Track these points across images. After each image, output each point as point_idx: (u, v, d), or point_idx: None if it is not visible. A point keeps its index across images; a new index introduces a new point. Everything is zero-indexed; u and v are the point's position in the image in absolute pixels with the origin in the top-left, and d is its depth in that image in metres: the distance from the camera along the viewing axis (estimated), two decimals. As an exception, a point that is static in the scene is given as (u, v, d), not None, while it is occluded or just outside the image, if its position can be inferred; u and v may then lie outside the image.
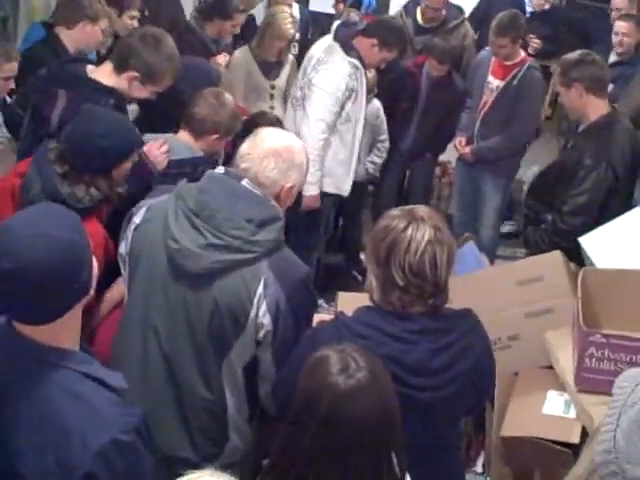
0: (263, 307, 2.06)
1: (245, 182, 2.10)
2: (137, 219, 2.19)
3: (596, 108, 3.30)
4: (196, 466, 1.46)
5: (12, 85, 3.39)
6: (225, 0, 4.37)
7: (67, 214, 1.61)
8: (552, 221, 3.30)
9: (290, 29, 4.43)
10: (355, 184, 4.33)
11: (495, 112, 4.56)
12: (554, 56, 5.16)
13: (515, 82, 4.50)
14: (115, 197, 2.66)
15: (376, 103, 4.61)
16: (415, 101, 4.85)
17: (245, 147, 2.17)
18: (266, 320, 2.07)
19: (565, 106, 3.52)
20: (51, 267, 1.47)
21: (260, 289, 2.05)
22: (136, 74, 2.85)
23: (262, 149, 2.14)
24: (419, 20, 5.23)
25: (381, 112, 4.65)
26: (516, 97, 4.49)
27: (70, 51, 3.59)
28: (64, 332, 1.57)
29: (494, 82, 4.58)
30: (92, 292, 1.62)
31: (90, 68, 2.94)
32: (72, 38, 3.62)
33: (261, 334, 2.09)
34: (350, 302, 2.60)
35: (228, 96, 3.15)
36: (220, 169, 2.17)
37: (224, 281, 2.06)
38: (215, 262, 2.04)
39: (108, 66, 2.91)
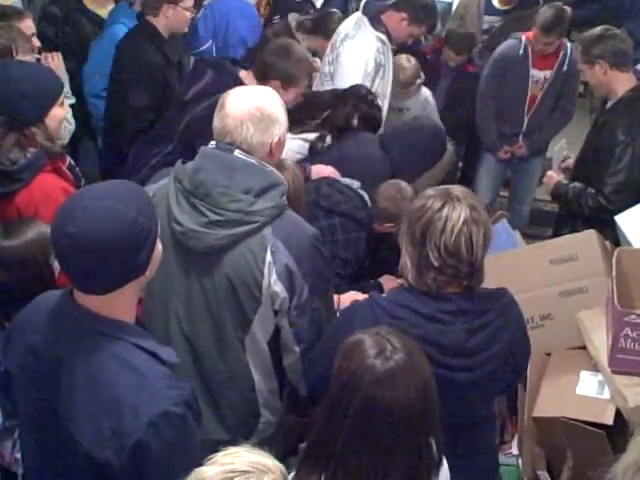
0: (274, 275, 2.05)
1: (237, 152, 2.09)
2: None
3: (623, 83, 3.25)
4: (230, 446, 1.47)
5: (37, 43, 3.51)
6: (327, 20, 4.30)
7: (140, 193, 1.66)
8: (596, 200, 3.24)
9: None
10: None
11: (546, 103, 4.47)
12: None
13: (565, 67, 4.38)
14: (57, 150, 2.64)
15: (424, 92, 4.54)
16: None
17: (218, 121, 2.14)
18: (279, 288, 2.06)
19: (590, 83, 3.47)
20: (111, 239, 1.51)
21: (268, 257, 2.05)
22: (277, 82, 3.04)
23: (235, 118, 2.11)
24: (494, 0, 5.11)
25: (430, 99, 4.56)
26: (565, 81, 4.40)
27: (164, 36, 3.80)
28: (120, 305, 1.61)
29: (540, 74, 4.42)
30: (149, 274, 1.65)
31: (243, 74, 3.15)
32: (161, 24, 3.78)
33: (277, 303, 2.09)
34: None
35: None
36: (212, 143, 2.14)
37: (232, 256, 2.06)
38: (219, 239, 2.04)
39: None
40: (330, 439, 1.56)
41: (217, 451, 1.37)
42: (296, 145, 3.31)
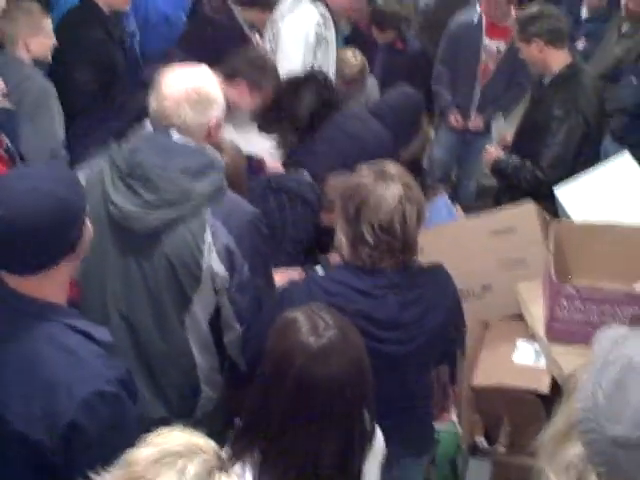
0: (214, 254, 2.05)
1: (175, 134, 2.07)
2: None
3: (558, 59, 3.32)
4: (171, 424, 1.48)
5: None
6: None
7: (67, 173, 1.66)
8: (534, 174, 3.31)
9: None
10: None
11: (499, 75, 4.49)
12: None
13: None
14: None
15: (373, 81, 4.51)
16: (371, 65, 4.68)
17: (154, 103, 2.12)
18: (219, 267, 2.06)
19: (527, 61, 3.50)
20: (36, 218, 1.51)
21: (208, 237, 2.04)
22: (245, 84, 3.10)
23: (171, 99, 2.09)
24: None
25: (375, 86, 4.53)
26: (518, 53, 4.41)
27: (105, 12, 3.75)
28: (50, 286, 1.60)
29: (493, 44, 4.44)
30: (80, 253, 1.64)
31: None
32: (101, 1, 3.73)
33: (217, 282, 2.09)
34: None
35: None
36: (148, 125, 2.13)
37: (171, 236, 2.05)
38: (157, 219, 2.03)
39: None
40: (264, 416, 1.58)
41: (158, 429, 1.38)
42: (272, 146, 3.29)
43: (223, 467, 1.25)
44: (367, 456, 1.65)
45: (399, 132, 3.35)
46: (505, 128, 3.76)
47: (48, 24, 3.40)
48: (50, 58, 3.42)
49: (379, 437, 1.75)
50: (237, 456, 1.57)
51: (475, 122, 4.59)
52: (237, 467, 1.56)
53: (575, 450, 1.20)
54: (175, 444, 1.23)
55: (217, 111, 2.14)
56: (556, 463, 1.22)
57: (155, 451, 1.22)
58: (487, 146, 3.65)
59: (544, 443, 1.26)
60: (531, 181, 3.32)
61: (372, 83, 4.48)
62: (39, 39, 3.32)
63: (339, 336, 1.57)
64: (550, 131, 3.25)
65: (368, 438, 1.65)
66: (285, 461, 1.55)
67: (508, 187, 3.56)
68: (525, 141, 3.45)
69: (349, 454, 1.59)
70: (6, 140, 2.72)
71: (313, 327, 1.57)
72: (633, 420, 1.13)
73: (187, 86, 2.10)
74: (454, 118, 4.61)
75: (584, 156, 3.21)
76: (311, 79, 3.45)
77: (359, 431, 1.61)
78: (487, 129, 4.68)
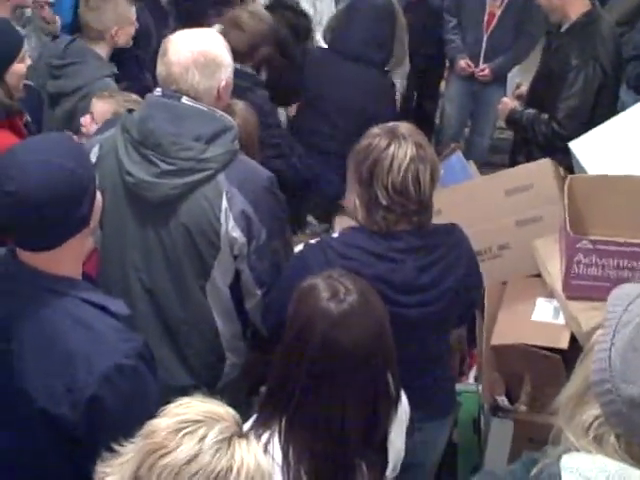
0: (231, 221, 2.05)
1: (185, 99, 2.05)
2: (92, 157, 2.13)
3: (576, 6, 3.23)
4: (195, 393, 1.49)
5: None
6: None
7: (76, 146, 1.63)
8: (550, 126, 3.25)
9: None
10: None
11: (505, 22, 4.40)
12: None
13: None
14: (16, 106, 2.59)
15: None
16: None
17: (162, 68, 2.10)
18: (237, 233, 2.06)
19: (544, 8, 3.41)
20: (50, 193, 1.49)
21: (224, 204, 2.04)
22: None
23: (179, 65, 2.06)
24: None
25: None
26: (526, 1, 4.30)
27: None
28: (65, 261, 1.59)
29: None
30: (92, 225, 1.63)
31: None
32: None
33: (236, 248, 2.09)
34: (346, 224, 2.59)
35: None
36: (158, 91, 2.10)
37: (188, 205, 2.05)
38: (173, 188, 2.03)
39: None
40: (288, 383, 1.58)
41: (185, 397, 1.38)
42: None
43: (243, 434, 1.25)
44: (392, 422, 1.65)
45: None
46: (518, 77, 3.68)
47: (134, 12, 3.28)
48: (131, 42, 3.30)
49: (404, 402, 1.75)
50: (263, 424, 1.58)
51: (482, 71, 4.50)
52: (265, 435, 1.57)
53: (593, 411, 1.20)
54: (195, 413, 1.25)
55: (225, 73, 2.12)
56: (574, 424, 1.22)
57: (175, 421, 1.23)
58: (503, 98, 3.58)
59: (562, 404, 1.25)
60: (547, 133, 3.25)
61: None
62: (125, 30, 3.21)
63: (360, 301, 1.57)
64: (567, 81, 3.18)
65: (393, 403, 1.65)
66: (311, 428, 1.55)
67: (524, 142, 3.49)
68: (541, 92, 3.37)
69: (375, 420, 1.59)
70: (27, 115, 2.72)
71: (333, 293, 1.57)
72: None
73: (193, 50, 2.07)
74: (465, 63, 4.53)
75: (601, 107, 3.14)
76: (278, 6, 3.45)
77: (384, 396, 1.61)
78: (498, 80, 4.59)
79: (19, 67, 2.59)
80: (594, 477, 1.17)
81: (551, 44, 3.41)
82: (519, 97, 3.55)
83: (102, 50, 3.16)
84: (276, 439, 1.56)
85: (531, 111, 3.36)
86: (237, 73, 2.34)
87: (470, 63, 4.53)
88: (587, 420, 1.21)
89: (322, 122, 3.51)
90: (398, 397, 1.67)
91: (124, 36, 3.19)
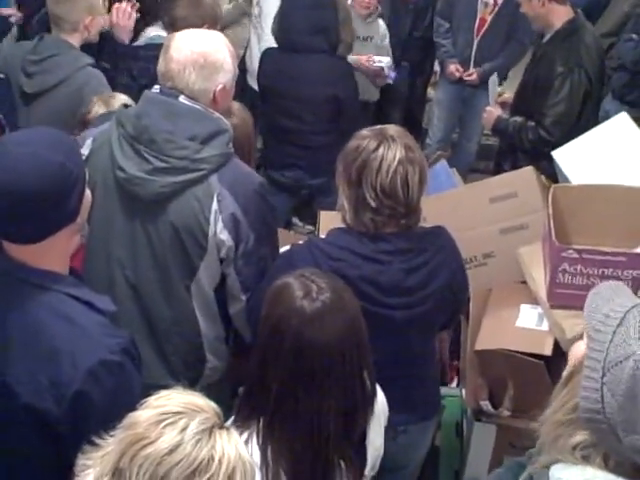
0: (220, 223, 2.05)
1: (182, 98, 2.05)
2: (85, 150, 2.13)
3: (560, 14, 3.28)
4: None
5: None
6: None
7: (66, 140, 1.63)
8: (537, 133, 3.28)
9: None
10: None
11: (495, 28, 4.44)
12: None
13: None
14: None
15: (382, 24, 4.52)
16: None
17: (162, 64, 2.10)
18: (225, 236, 2.06)
19: (528, 16, 3.45)
20: (36, 186, 1.48)
21: (214, 205, 2.04)
22: None
23: (177, 62, 2.06)
24: None
25: (387, 31, 4.55)
26: (517, 9, 4.36)
27: None
28: (51, 256, 1.58)
29: None
30: (80, 220, 1.63)
31: None
32: None
33: (223, 251, 2.09)
34: (333, 220, 2.60)
35: None
36: (156, 88, 2.10)
37: (178, 204, 2.05)
38: (164, 186, 2.02)
39: None
40: (265, 383, 1.58)
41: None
42: None
43: (223, 426, 1.26)
44: (370, 420, 1.66)
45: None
46: (497, 84, 3.71)
47: (103, 2, 3.25)
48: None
49: (382, 400, 1.76)
50: (242, 425, 1.58)
51: (471, 75, 4.53)
52: (243, 436, 1.56)
53: (579, 437, 1.20)
54: (175, 405, 1.25)
55: (224, 78, 2.11)
56: (559, 446, 1.21)
57: (156, 412, 1.24)
58: (488, 107, 3.60)
59: (546, 428, 1.24)
60: (534, 140, 3.29)
61: (382, 26, 4.54)
62: (97, 20, 3.15)
63: (333, 299, 1.58)
64: (553, 88, 3.23)
65: (370, 400, 1.66)
66: (289, 427, 1.56)
67: (510, 149, 3.52)
68: (527, 100, 3.41)
69: (353, 417, 1.60)
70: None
71: (306, 292, 1.57)
72: None
73: (194, 50, 2.07)
74: (454, 67, 4.57)
75: (585, 114, 3.19)
76: None
77: (361, 393, 1.62)
78: (487, 86, 4.66)
79: None
80: None
81: (536, 52, 3.46)
82: (503, 105, 3.58)
83: (75, 42, 3.11)
84: (254, 440, 1.57)
85: (517, 119, 3.39)
86: None
87: (459, 68, 4.57)
88: (573, 443, 1.20)
89: (289, 120, 3.60)
90: (374, 393, 1.68)
91: (96, 26, 3.16)
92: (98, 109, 2.70)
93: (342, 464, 1.60)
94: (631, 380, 1.11)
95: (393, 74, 4.54)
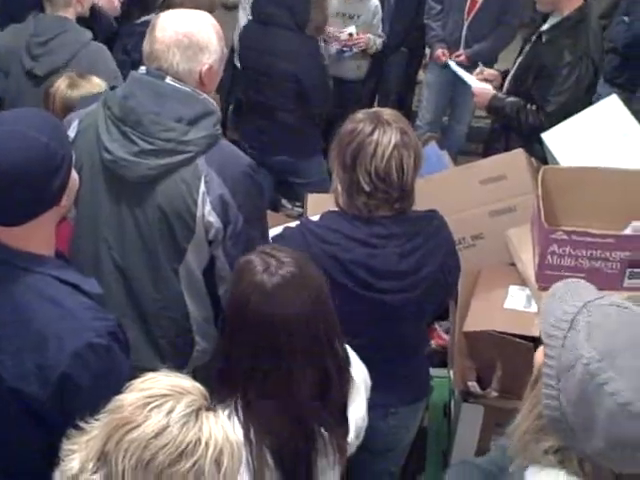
0: (208, 205, 2.03)
1: (169, 79, 2.02)
2: (71, 132, 2.09)
3: (572, 2, 3.22)
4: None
5: None
6: None
7: (52, 121, 1.60)
8: (537, 118, 3.25)
9: None
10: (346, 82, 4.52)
11: (486, 10, 4.42)
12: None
13: None
14: None
15: (374, 2, 4.52)
16: None
17: (146, 44, 2.07)
18: (213, 218, 2.04)
19: None
20: (20, 166, 1.47)
21: (202, 188, 2.02)
22: None
23: (162, 43, 2.04)
24: None
25: (379, 9, 4.56)
26: None
27: None
28: (36, 238, 1.57)
29: None
30: (65, 203, 1.60)
31: None
32: None
33: (212, 233, 2.07)
34: (321, 203, 2.60)
35: None
36: (142, 69, 2.07)
37: (165, 186, 2.02)
38: (151, 168, 2.00)
39: None
40: (234, 359, 1.61)
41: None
42: None
43: (210, 407, 1.26)
44: (349, 388, 1.68)
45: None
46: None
47: None
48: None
49: (362, 370, 1.77)
50: (220, 402, 1.57)
51: (459, 56, 4.51)
52: (224, 413, 1.55)
53: (549, 443, 1.19)
54: (161, 387, 1.25)
55: (210, 58, 2.07)
56: (530, 451, 1.21)
57: (141, 395, 1.23)
58: (480, 84, 3.49)
59: (515, 437, 1.23)
60: (533, 124, 3.24)
61: (377, 3, 4.54)
62: None
63: (294, 272, 1.59)
64: (560, 76, 3.18)
65: (344, 369, 1.68)
66: (263, 402, 1.57)
67: (502, 129, 3.49)
68: (527, 83, 3.34)
69: (328, 386, 1.62)
70: None
71: (266, 266, 1.59)
72: (606, 437, 1.10)
73: (179, 30, 2.04)
74: (441, 52, 4.58)
75: (586, 103, 3.12)
76: None
77: (333, 362, 1.63)
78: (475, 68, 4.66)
79: None
80: None
81: (541, 36, 3.37)
82: (486, 81, 3.50)
83: (71, 16, 3.09)
84: (236, 418, 1.58)
85: (515, 100, 3.33)
86: None
87: (446, 52, 4.57)
88: (543, 448, 1.19)
89: (257, 94, 3.64)
90: (348, 363, 1.69)
91: (87, 0, 3.15)
92: (62, 85, 2.68)
93: (324, 432, 1.61)
94: (580, 385, 1.11)
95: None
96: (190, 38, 2.04)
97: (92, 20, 3.26)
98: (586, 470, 1.16)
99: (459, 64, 4.44)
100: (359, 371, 1.74)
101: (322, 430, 1.61)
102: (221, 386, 1.61)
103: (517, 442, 1.23)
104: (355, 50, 4.59)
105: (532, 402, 1.22)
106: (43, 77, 2.99)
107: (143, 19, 3.39)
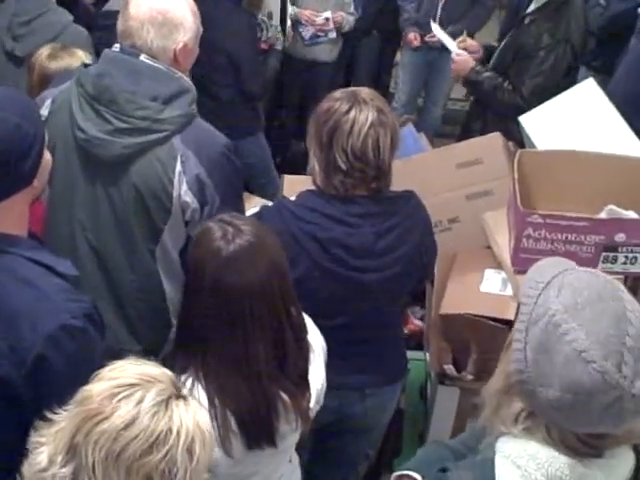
0: (184, 185, 2.00)
1: (143, 57, 1.99)
2: (44, 111, 2.06)
3: None
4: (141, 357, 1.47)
5: None
6: None
7: (24, 99, 1.58)
8: (512, 97, 3.25)
9: None
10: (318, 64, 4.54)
11: None
12: None
13: None
14: None
15: None
16: None
17: (120, 22, 2.04)
18: (189, 198, 2.02)
19: None
20: None
21: (178, 167, 1.99)
22: None
23: (136, 19, 2.01)
24: None
25: None
26: None
27: None
28: (9, 218, 1.54)
29: None
30: (37, 184, 1.58)
31: None
32: None
33: (188, 214, 2.05)
34: (296, 184, 2.59)
35: None
36: (116, 46, 2.04)
37: (140, 165, 2.00)
38: (126, 147, 1.97)
39: None
40: (193, 325, 1.63)
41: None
42: None
43: (180, 395, 1.24)
44: (308, 355, 1.71)
45: None
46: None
47: None
48: None
49: (319, 337, 1.79)
50: (182, 368, 1.60)
51: (432, 36, 4.42)
52: (188, 381, 1.59)
53: (519, 404, 1.23)
54: (129, 376, 1.23)
55: (185, 36, 2.05)
56: (502, 415, 1.24)
57: (110, 385, 1.21)
58: (457, 54, 3.43)
59: (488, 398, 1.27)
60: (507, 102, 3.26)
61: None
62: None
63: (251, 241, 1.60)
64: (537, 58, 3.20)
65: (302, 335, 1.70)
66: (224, 366, 1.59)
67: (478, 110, 3.49)
68: (506, 63, 3.35)
69: (285, 353, 1.64)
70: None
71: (223, 234, 1.60)
72: (560, 384, 1.14)
73: (153, 7, 2.01)
74: (413, 36, 4.58)
75: (564, 86, 3.09)
76: None
77: (290, 330, 1.65)
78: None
79: None
80: (524, 465, 1.20)
81: (524, 18, 3.37)
82: (466, 50, 3.47)
83: None
84: (200, 386, 1.59)
85: (493, 76, 3.32)
86: None
87: (417, 36, 4.57)
88: (514, 412, 1.23)
89: (197, 67, 3.57)
90: (304, 329, 1.71)
91: None
92: (43, 55, 2.62)
93: (284, 396, 1.63)
94: (544, 334, 1.17)
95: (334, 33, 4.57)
96: (165, 15, 2.01)
97: (70, 4, 3.21)
98: (552, 436, 1.21)
99: (434, 45, 4.46)
100: (316, 338, 1.77)
101: (283, 395, 1.63)
102: (182, 354, 1.64)
103: (489, 404, 1.27)
104: (330, 36, 4.58)
105: (504, 362, 1.26)
106: (24, 58, 2.92)
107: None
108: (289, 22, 4.50)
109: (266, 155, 4.10)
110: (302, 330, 1.70)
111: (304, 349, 1.69)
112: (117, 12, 2.91)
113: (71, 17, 2.99)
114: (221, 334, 1.59)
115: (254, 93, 3.87)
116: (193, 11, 2.10)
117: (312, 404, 1.72)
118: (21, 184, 1.53)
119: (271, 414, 1.61)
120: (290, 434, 1.68)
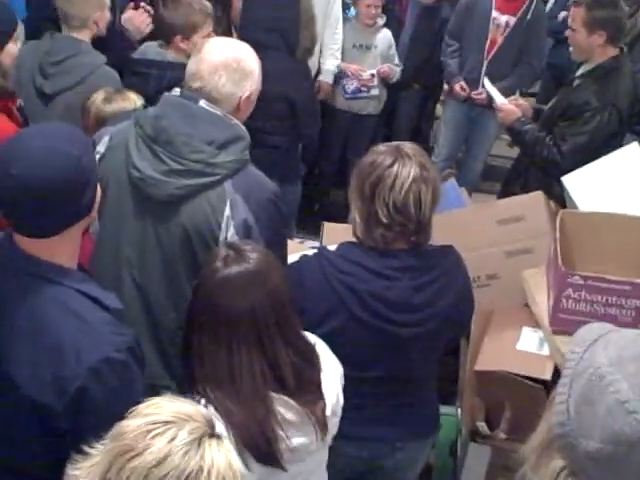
0: (232, 229, 2.04)
1: (202, 102, 2.05)
2: (101, 148, 2.14)
3: (607, 52, 3.26)
4: (177, 393, 1.49)
5: None
6: None
7: (79, 133, 1.64)
8: (551, 153, 3.26)
9: None
10: (361, 117, 4.60)
11: (506, 50, 4.43)
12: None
13: (529, 16, 4.35)
14: (10, 88, 2.58)
15: (387, 33, 4.60)
16: (400, 29, 4.79)
17: (192, 65, 2.11)
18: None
19: (573, 46, 3.37)
20: (56, 180, 1.49)
21: (227, 211, 2.04)
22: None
23: (210, 64, 2.08)
24: None
25: (393, 41, 4.65)
26: (528, 32, 4.38)
27: None
28: (62, 250, 1.59)
29: (502, 18, 4.40)
30: (93, 215, 1.64)
31: None
32: None
33: None
34: (336, 232, 2.62)
35: None
36: (176, 91, 2.11)
37: (190, 206, 2.05)
38: (178, 188, 2.03)
39: None
40: (192, 344, 1.68)
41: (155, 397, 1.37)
42: None
43: (214, 434, 1.25)
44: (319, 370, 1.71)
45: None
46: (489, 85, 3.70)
47: None
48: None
49: (334, 360, 1.79)
50: (195, 392, 1.63)
51: (480, 94, 4.49)
52: (202, 402, 1.60)
53: (559, 462, 1.20)
54: (164, 414, 1.23)
55: (251, 85, 2.13)
56: (541, 474, 1.22)
57: (144, 422, 1.22)
58: (504, 103, 3.48)
59: (528, 454, 1.26)
60: (546, 158, 3.27)
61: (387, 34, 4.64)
62: (105, 13, 3.14)
63: (249, 269, 1.65)
64: (581, 118, 3.22)
65: (306, 361, 1.70)
66: (217, 387, 1.61)
67: (522, 169, 3.50)
68: (552, 121, 3.38)
69: (282, 373, 1.65)
70: (20, 100, 2.70)
71: (225, 257, 1.66)
72: (601, 435, 1.13)
73: (228, 54, 2.10)
74: (460, 87, 4.58)
75: (608, 151, 3.09)
76: None
77: (287, 356, 1.66)
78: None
79: (13, 47, 2.57)
80: None
81: (573, 80, 3.41)
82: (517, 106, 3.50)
83: (86, 38, 3.10)
84: (211, 408, 1.59)
85: (537, 129, 3.35)
86: None
87: (465, 87, 4.58)
88: (554, 471, 1.21)
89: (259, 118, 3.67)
90: (308, 355, 1.71)
91: (104, 21, 3.16)
92: (98, 98, 2.73)
93: (287, 415, 1.63)
94: (587, 385, 1.17)
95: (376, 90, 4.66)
96: (239, 63, 2.10)
97: (109, 39, 3.26)
98: None
99: (479, 102, 4.49)
100: (331, 361, 1.78)
101: (282, 411, 1.63)
102: (189, 374, 1.68)
103: (528, 461, 1.25)
104: (372, 93, 4.65)
105: (545, 417, 1.25)
106: (51, 95, 3.01)
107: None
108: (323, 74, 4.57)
109: (295, 203, 4.14)
110: (307, 357, 1.71)
111: (313, 362, 1.71)
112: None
113: (102, 60, 3.06)
114: (210, 356, 1.63)
115: (312, 136, 3.95)
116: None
117: (328, 413, 1.70)
118: (81, 215, 1.58)
119: (266, 433, 1.60)
120: (312, 446, 1.67)
